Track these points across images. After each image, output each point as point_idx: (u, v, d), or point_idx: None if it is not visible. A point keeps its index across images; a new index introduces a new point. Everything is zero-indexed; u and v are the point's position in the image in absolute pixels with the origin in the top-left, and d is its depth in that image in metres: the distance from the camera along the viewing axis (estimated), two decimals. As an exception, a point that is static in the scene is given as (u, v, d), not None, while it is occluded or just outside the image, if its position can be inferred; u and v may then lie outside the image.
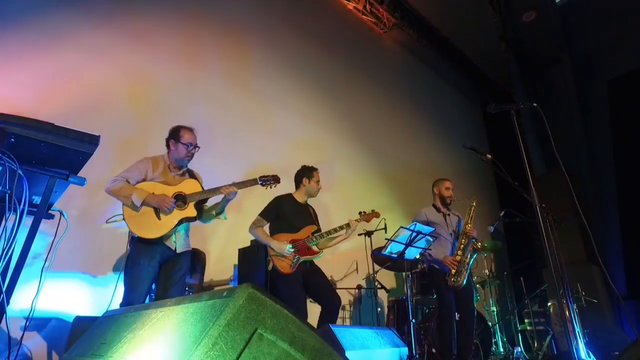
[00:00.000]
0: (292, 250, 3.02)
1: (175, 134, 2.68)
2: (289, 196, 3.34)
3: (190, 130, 2.71)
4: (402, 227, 3.10)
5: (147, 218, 2.42)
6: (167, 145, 2.70)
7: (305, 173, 3.35)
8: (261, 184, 2.85)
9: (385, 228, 3.95)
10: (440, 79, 8.75)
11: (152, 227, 2.43)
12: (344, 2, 6.85)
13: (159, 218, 2.45)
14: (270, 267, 3.05)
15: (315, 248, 3.13)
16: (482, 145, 9.06)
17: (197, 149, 2.71)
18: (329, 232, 3.16)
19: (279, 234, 3.13)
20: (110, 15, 3.94)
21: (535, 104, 2.52)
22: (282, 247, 3.01)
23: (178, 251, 2.57)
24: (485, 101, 9.00)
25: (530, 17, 7.57)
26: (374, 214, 3.36)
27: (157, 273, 2.50)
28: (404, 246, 3.14)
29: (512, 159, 2.82)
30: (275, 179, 2.91)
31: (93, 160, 1.63)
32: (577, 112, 7.91)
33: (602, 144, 7.65)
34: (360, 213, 3.33)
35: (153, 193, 2.46)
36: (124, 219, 2.40)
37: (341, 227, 3.17)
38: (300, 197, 3.34)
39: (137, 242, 2.45)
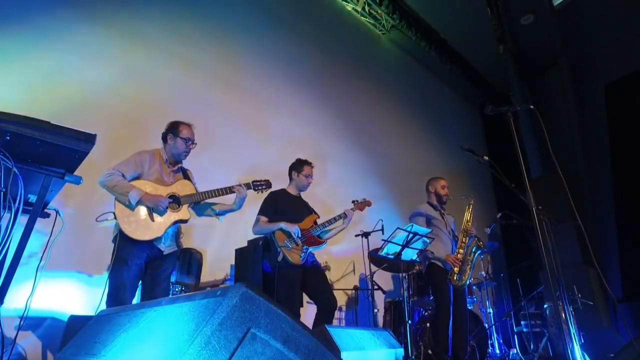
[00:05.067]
0: (301, 234, 3.06)
1: (174, 129, 2.69)
2: (283, 190, 3.40)
3: (189, 125, 2.74)
4: (398, 228, 3.10)
5: (140, 219, 2.41)
6: (165, 139, 2.71)
7: (295, 166, 3.43)
8: (254, 188, 2.88)
9: (382, 229, 3.96)
10: (439, 80, 8.77)
11: (146, 228, 2.41)
12: (342, 3, 6.86)
13: (152, 219, 2.44)
14: (280, 258, 3.03)
15: (319, 238, 3.18)
16: (479, 147, 9.08)
17: (194, 144, 2.73)
18: (329, 222, 3.24)
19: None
20: (107, 15, 3.93)
21: (532, 106, 2.53)
22: (293, 227, 3.05)
23: (165, 252, 2.55)
24: (483, 103, 9.02)
25: (529, 20, 7.60)
26: (366, 202, 3.46)
27: (143, 272, 2.49)
28: (400, 247, 3.14)
29: (510, 161, 2.83)
30: (267, 184, 2.96)
31: (89, 159, 1.62)
32: (575, 115, 7.94)
33: (600, 146, 7.67)
34: (353, 202, 3.43)
35: (147, 192, 2.44)
36: (115, 218, 2.36)
37: (339, 217, 3.26)
38: (292, 190, 3.42)
39: (124, 241, 2.39)
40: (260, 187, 2.91)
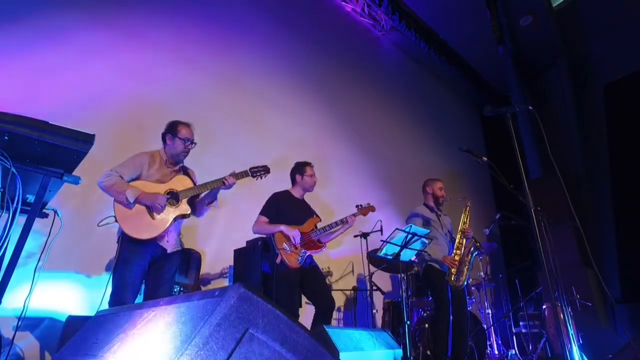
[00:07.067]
0: (300, 238, 3.06)
1: (172, 129, 2.67)
2: (286, 192, 3.41)
3: (188, 125, 2.71)
4: (397, 228, 3.10)
5: (141, 218, 2.40)
6: (164, 140, 2.69)
7: (297, 170, 3.43)
8: (252, 175, 2.84)
9: (381, 230, 3.96)
10: (438, 81, 8.77)
11: (147, 227, 2.40)
12: (341, 4, 6.86)
13: (152, 218, 2.43)
14: (278, 260, 3.04)
15: (319, 242, 3.18)
16: (479, 147, 9.08)
17: (193, 144, 2.71)
18: (331, 226, 3.25)
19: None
20: (107, 14, 3.93)
21: (531, 107, 2.52)
22: (293, 231, 3.05)
23: (169, 251, 2.55)
24: (483, 104, 9.00)
25: (528, 20, 7.62)
26: (370, 208, 3.46)
27: (147, 272, 2.48)
28: (399, 248, 3.14)
29: (509, 162, 2.83)
30: (265, 169, 2.91)
31: (88, 159, 1.62)
32: (574, 116, 7.95)
33: (598, 147, 7.69)
34: (357, 206, 3.42)
35: (144, 191, 2.43)
36: (116, 220, 2.35)
37: (342, 221, 3.27)
38: (297, 193, 3.42)
39: (128, 241, 2.39)
40: (258, 174, 2.87)
